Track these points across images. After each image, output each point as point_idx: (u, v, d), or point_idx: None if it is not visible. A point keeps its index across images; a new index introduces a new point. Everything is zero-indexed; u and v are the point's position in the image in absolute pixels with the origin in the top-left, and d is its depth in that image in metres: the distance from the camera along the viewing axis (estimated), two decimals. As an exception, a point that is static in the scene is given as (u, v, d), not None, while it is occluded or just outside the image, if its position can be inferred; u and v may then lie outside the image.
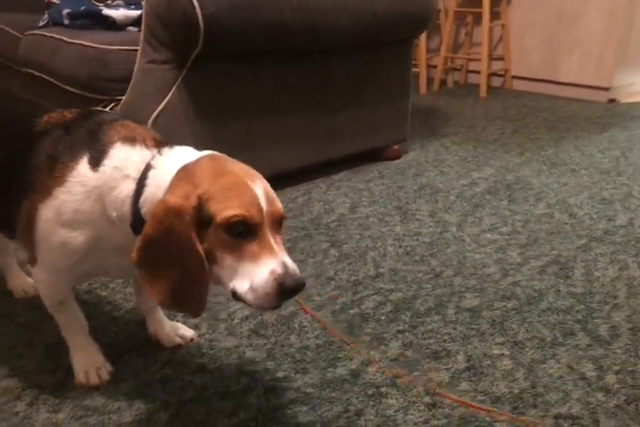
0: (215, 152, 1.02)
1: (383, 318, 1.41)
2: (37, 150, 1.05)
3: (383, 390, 1.17)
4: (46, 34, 2.36)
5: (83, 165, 1.02)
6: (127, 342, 1.32)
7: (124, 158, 1.01)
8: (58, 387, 1.18)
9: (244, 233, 0.90)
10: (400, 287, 1.54)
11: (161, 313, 1.33)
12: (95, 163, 1.02)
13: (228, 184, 0.91)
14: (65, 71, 2.13)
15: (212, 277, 0.94)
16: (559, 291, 1.52)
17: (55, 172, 1.02)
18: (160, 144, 1.04)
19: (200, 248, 0.90)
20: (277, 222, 0.95)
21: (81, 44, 2.07)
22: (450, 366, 1.24)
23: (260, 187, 0.93)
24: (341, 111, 2.34)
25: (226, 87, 1.98)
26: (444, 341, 1.32)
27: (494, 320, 1.40)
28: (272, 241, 0.91)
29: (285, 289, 0.89)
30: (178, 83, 1.88)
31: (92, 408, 1.13)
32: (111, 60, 1.95)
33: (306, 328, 1.36)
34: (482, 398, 1.14)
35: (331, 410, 1.12)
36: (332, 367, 1.23)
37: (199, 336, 1.33)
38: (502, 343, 1.31)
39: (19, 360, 1.27)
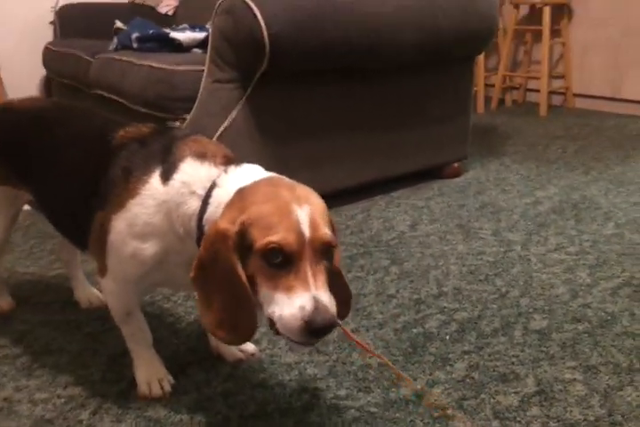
0: (275, 175, 1.01)
1: (448, 337, 1.37)
2: (114, 163, 1.08)
3: (449, 412, 1.13)
4: (116, 57, 2.46)
5: (155, 179, 1.04)
6: (188, 355, 1.33)
7: (193, 174, 1.02)
8: (121, 397, 1.19)
9: (281, 262, 0.87)
10: (465, 307, 1.50)
11: (223, 327, 1.33)
12: (166, 177, 1.03)
13: (272, 210, 0.89)
14: (134, 92, 2.20)
15: (257, 303, 0.92)
16: (634, 314, 1.45)
17: (129, 184, 1.04)
18: (229, 161, 1.04)
19: (242, 274, 0.90)
20: (321, 250, 0.89)
21: (149, 66, 2.14)
22: (519, 389, 1.19)
23: (306, 212, 0.89)
24: (403, 129, 2.33)
25: (289, 106, 2.00)
26: (512, 363, 1.27)
27: (565, 343, 1.34)
28: (309, 273, 0.87)
29: (312, 328, 0.84)
30: (242, 102, 1.91)
31: (155, 420, 1.13)
32: (178, 81, 2.01)
33: (368, 345, 1.34)
34: (555, 424, 1.09)
35: (395, 431, 1.08)
36: (395, 387, 1.20)
37: (260, 351, 1.33)
38: (574, 368, 1.25)
39: (83, 369, 1.29)
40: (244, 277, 0.90)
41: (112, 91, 2.42)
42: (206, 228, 0.98)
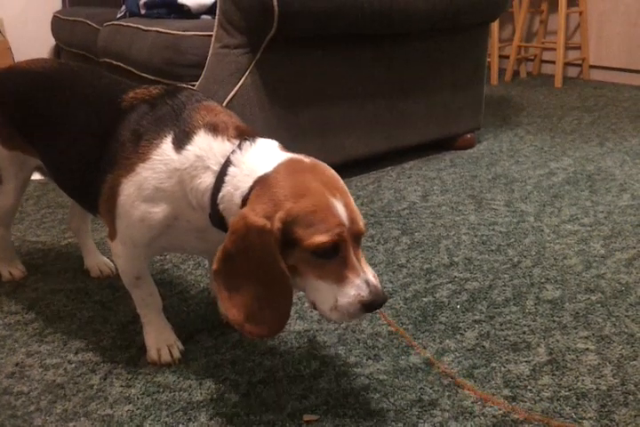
0: (292, 156, 0.98)
1: (458, 306, 1.36)
2: (123, 126, 1.06)
3: (459, 380, 1.12)
4: (123, 24, 2.42)
5: (167, 145, 1.02)
6: (198, 323, 1.33)
7: (206, 148, 1.00)
8: (131, 363, 1.20)
9: (328, 254, 0.90)
10: (476, 276, 1.48)
11: (232, 295, 1.32)
12: (179, 145, 1.01)
13: (312, 206, 0.89)
14: (141, 58, 2.17)
15: (295, 286, 0.95)
16: (649, 285, 1.43)
17: (139, 148, 1.03)
18: (242, 134, 1.02)
19: (285, 267, 0.90)
20: (360, 237, 0.94)
21: (157, 31, 2.10)
22: (530, 358, 1.18)
23: (342, 204, 0.91)
24: (415, 97, 2.28)
25: (299, 72, 1.96)
26: (524, 332, 1.26)
27: (577, 313, 1.32)
28: (354, 259, 0.92)
29: (369, 308, 0.91)
30: (251, 68, 1.88)
31: (164, 385, 1.13)
32: (186, 46, 1.97)
33: (377, 315, 1.33)
34: (566, 393, 1.08)
35: (404, 398, 1.08)
36: (404, 355, 1.19)
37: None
38: (587, 337, 1.24)
39: (94, 336, 1.29)
40: (287, 272, 0.90)
41: (120, 58, 2.38)
42: (221, 206, 0.98)
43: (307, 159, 0.98)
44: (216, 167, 0.99)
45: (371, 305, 0.91)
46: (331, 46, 2.00)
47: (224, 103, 1.86)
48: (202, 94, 1.11)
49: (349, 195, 0.95)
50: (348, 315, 0.92)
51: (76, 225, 1.58)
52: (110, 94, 1.14)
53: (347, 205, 0.92)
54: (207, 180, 0.99)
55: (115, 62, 2.44)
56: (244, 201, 0.94)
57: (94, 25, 2.85)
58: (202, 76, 1.92)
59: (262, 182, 0.93)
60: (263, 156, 0.98)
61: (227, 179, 0.97)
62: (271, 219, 0.89)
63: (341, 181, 0.96)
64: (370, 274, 0.93)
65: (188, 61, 1.96)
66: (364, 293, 0.90)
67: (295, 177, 0.93)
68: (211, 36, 1.90)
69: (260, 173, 0.95)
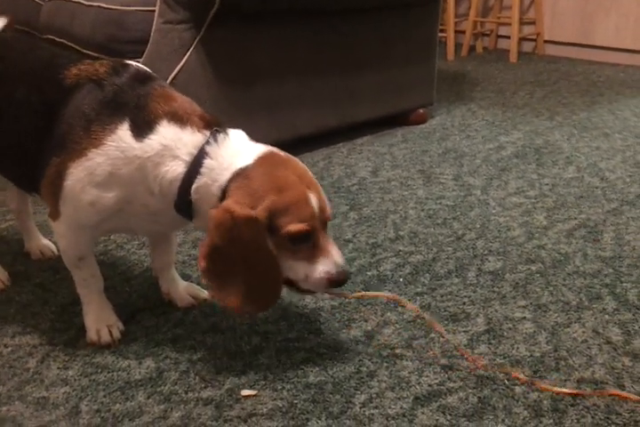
0: (268, 148, 1.03)
1: (401, 280, 1.37)
2: (70, 107, 1.03)
3: (398, 351, 1.13)
4: (65, -2, 2.33)
5: (123, 131, 1.00)
6: (140, 303, 1.31)
7: (174, 139, 1.00)
8: (69, 345, 1.18)
9: (302, 240, 1.00)
10: (420, 250, 1.50)
11: (175, 273, 1.31)
12: (138, 133, 1.00)
13: (292, 199, 0.98)
14: (84, 34, 2.09)
15: None
16: (587, 255, 1.46)
17: (91, 133, 1.01)
18: (208, 124, 1.03)
19: (272, 250, 0.99)
20: (326, 224, 1.04)
21: (99, 6, 2.03)
22: (469, 328, 1.20)
23: (316, 196, 1.01)
24: (366, 73, 2.27)
25: (245, 48, 1.93)
26: (464, 303, 1.28)
27: (517, 283, 1.35)
28: (323, 243, 1.01)
29: (334, 284, 1.03)
30: (195, 44, 1.84)
31: (102, 366, 1.12)
32: (129, 22, 1.91)
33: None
34: (501, 360, 1.10)
35: (343, 371, 1.09)
36: (346, 329, 1.20)
37: (212, 297, 1.31)
38: (524, 307, 1.26)
39: (32, 319, 1.26)
40: (274, 253, 0.99)
41: (63, 35, 2.29)
42: (195, 197, 1.00)
43: (281, 152, 1.04)
44: (187, 158, 1.00)
45: (336, 281, 1.02)
46: (278, 22, 1.97)
47: (168, 81, 1.82)
48: (150, 71, 1.10)
49: (319, 186, 1.03)
50: (318, 286, 1.03)
51: (17, 207, 1.53)
52: (49, 69, 1.09)
53: (319, 197, 1.01)
54: (177, 169, 1.00)
55: (58, 39, 2.36)
56: (224, 193, 0.98)
57: (36, 0, 2.74)
58: (145, 53, 1.87)
59: (242, 175, 0.98)
60: (239, 148, 1.01)
61: (202, 170, 1.00)
62: (256, 209, 0.95)
63: (310, 173, 1.04)
64: (336, 255, 1.02)
65: (131, 37, 1.91)
66: (332, 271, 1.01)
67: (274, 171, 0.99)
68: (154, 11, 1.85)
69: (238, 165, 0.99)
